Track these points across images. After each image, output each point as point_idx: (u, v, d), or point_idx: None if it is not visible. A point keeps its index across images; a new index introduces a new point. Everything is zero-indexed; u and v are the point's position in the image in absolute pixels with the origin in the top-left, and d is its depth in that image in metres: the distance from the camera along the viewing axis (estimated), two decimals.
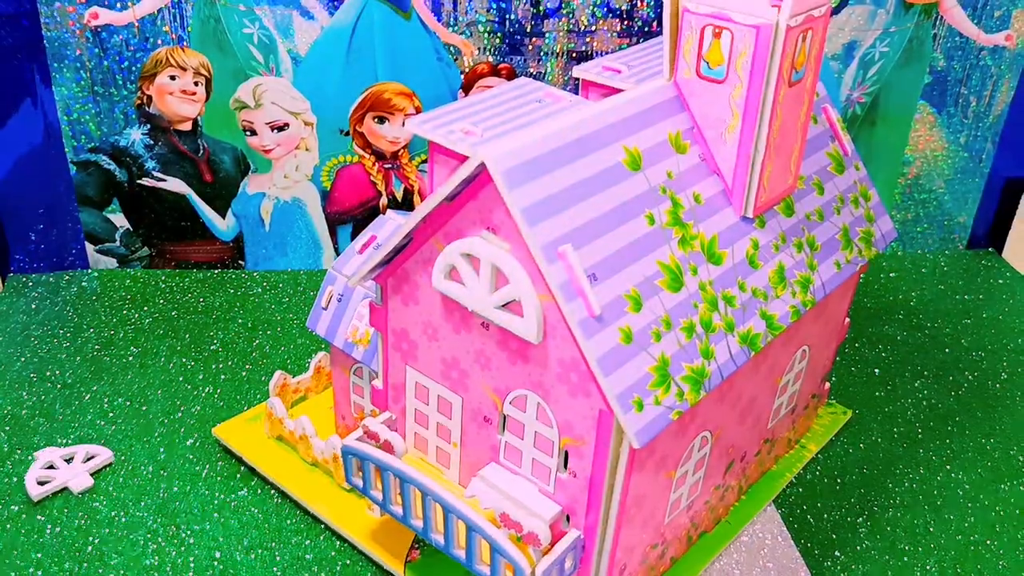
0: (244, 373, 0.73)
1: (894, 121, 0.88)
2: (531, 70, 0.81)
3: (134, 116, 0.80)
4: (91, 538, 0.57)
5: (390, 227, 0.59)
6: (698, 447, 0.50)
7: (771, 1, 0.43)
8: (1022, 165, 0.92)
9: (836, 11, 0.83)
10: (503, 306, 0.43)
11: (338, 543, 0.58)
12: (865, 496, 0.63)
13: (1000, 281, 0.90)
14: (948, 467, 0.66)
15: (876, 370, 0.76)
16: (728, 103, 0.46)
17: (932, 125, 0.89)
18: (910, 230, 0.94)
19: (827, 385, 0.67)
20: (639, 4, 0.80)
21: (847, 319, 0.64)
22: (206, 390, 0.71)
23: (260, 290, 0.85)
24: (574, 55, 0.82)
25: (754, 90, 0.45)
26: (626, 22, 0.81)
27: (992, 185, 0.92)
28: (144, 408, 0.68)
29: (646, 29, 0.81)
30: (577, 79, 0.54)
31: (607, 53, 0.81)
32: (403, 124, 0.82)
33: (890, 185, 0.92)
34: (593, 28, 0.81)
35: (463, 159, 0.42)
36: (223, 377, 0.72)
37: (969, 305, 0.86)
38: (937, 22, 0.84)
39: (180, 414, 0.68)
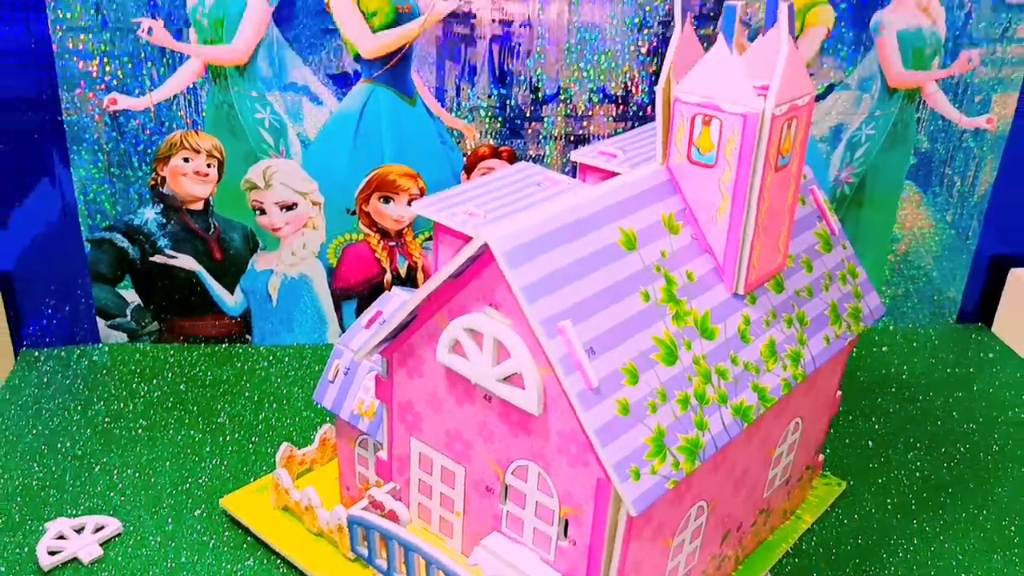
0: (251, 445, 0.74)
1: (881, 200, 0.92)
2: (531, 153, 0.85)
3: (148, 196, 0.82)
4: None
5: (395, 303, 0.61)
6: (694, 516, 0.51)
7: (757, 91, 0.46)
8: (1007, 243, 0.95)
9: (823, 96, 0.86)
10: (505, 379, 0.45)
11: None
12: (860, 566, 0.64)
13: (990, 355, 0.92)
14: (942, 538, 0.67)
15: (870, 442, 0.77)
16: (718, 187, 0.48)
17: (919, 204, 0.92)
18: (901, 305, 0.97)
19: (821, 457, 0.69)
20: (634, 90, 0.84)
21: (839, 392, 0.66)
22: (213, 462, 0.72)
23: (266, 364, 0.86)
24: (572, 138, 0.85)
25: (742, 175, 0.47)
26: (621, 107, 0.84)
27: (979, 262, 0.95)
28: (153, 480, 0.70)
29: (640, 114, 0.84)
30: (575, 162, 0.57)
31: (603, 137, 0.84)
32: (408, 204, 0.85)
33: (880, 262, 0.94)
34: (590, 113, 0.84)
35: (467, 239, 0.44)
36: (230, 449, 0.74)
37: (960, 378, 0.88)
38: (920, 106, 0.88)
39: (188, 485, 0.69)
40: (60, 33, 0.76)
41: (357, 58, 0.80)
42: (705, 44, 0.49)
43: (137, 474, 0.70)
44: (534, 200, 0.48)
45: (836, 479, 0.72)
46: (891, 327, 0.96)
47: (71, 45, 0.76)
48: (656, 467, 0.43)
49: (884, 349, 0.92)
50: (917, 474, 0.73)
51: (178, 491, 0.69)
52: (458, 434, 0.50)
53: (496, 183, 0.50)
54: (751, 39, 0.68)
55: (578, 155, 0.56)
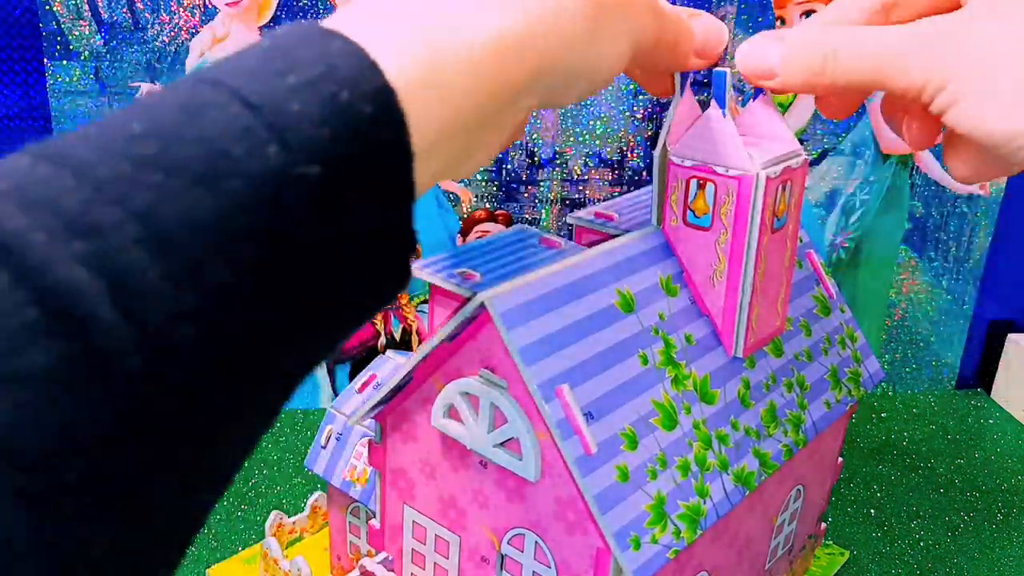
0: (239, 512, 0.73)
1: (877, 265, 0.92)
2: (527, 216, 0.85)
3: None
4: None
5: (390, 367, 0.60)
6: None
7: (748, 152, 0.46)
8: (1004, 308, 0.95)
9: (817, 161, 0.87)
10: (501, 444, 0.44)
11: None
12: None
13: (990, 421, 0.91)
14: None
15: (872, 511, 0.76)
16: (715, 249, 0.48)
17: (914, 269, 0.92)
18: (899, 371, 0.96)
19: (823, 525, 0.68)
20: (629, 155, 0.84)
21: (840, 458, 0.65)
22: (201, 530, 0.70)
23: None
24: (568, 202, 0.85)
25: (738, 237, 0.47)
26: (616, 171, 0.85)
27: (976, 327, 0.95)
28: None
29: (636, 179, 0.85)
30: (571, 225, 0.57)
31: (599, 201, 0.85)
32: None
33: (877, 327, 0.94)
34: (586, 177, 0.84)
35: (463, 301, 0.44)
36: (218, 517, 0.72)
37: (961, 445, 0.86)
38: (913, 172, 0.88)
39: None
40: (59, 97, 0.76)
41: None
42: (702, 110, 0.49)
43: None
44: (531, 262, 0.48)
45: (839, 548, 0.70)
46: (890, 393, 0.96)
47: (69, 109, 0.77)
48: (657, 536, 0.42)
49: (884, 415, 0.91)
50: (921, 543, 0.72)
51: None
52: (453, 501, 0.48)
53: (493, 245, 0.50)
54: (744, 104, 0.68)
55: (575, 218, 0.56)
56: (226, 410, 0.24)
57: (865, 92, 0.46)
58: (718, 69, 0.46)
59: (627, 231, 0.52)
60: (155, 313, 0.22)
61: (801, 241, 0.59)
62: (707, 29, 0.43)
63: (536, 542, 0.45)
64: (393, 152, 0.27)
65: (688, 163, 0.48)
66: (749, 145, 0.46)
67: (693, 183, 0.48)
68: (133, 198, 0.22)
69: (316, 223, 0.25)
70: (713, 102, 0.46)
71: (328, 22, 0.28)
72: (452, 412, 0.46)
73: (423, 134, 0.27)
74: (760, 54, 0.42)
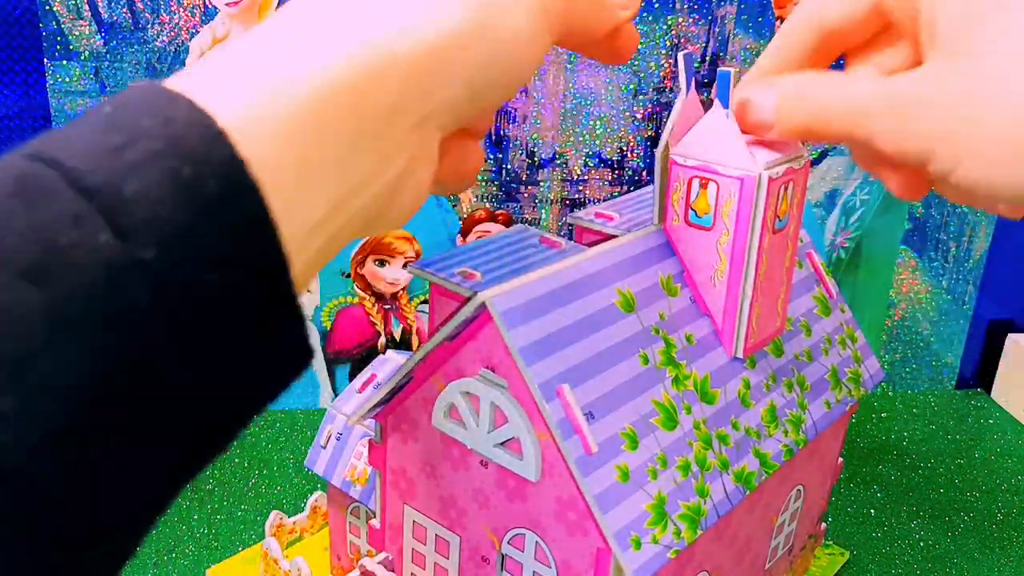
0: (239, 513, 0.73)
1: (877, 265, 0.92)
2: (527, 216, 0.85)
3: None
4: None
5: (390, 367, 0.60)
6: None
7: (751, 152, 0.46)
8: (1004, 308, 0.95)
9: (818, 161, 0.87)
10: (502, 444, 0.44)
11: None
12: None
13: (990, 421, 0.91)
14: None
15: (872, 511, 0.76)
16: (716, 249, 0.48)
17: (914, 269, 0.92)
18: (899, 371, 0.96)
19: (823, 525, 0.68)
20: (629, 155, 0.84)
21: (840, 459, 0.65)
22: (200, 530, 0.70)
23: (257, 429, 0.85)
24: (568, 202, 0.85)
25: (740, 237, 0.47)
26: (616, 171, 0.85)
27: (976, 327, 0.95)
28: (137, 548, 0.68)
29: (636, 179, 0.85)
30: (571, 225, 0.57)
31: (599, 201, 0.85)
32: (403, 267, 0.84)
33: (877, 327, 0.94)
34: (585, 177, 0.84)
35: (464, 300, 0.44)
36: (218, 517, 0.72)
37: (961, 445, 0.87)
38: None
39: (174, 554, 0.67)
40: (59, 97, 0.76)
41: None
42: (704, 110, 0.49)
43: None
44: (531, 262, 0.48)
45: (839, 549, 0.70)
46: (890, 393, 0.96)
47: (69, 109, 0.77)
48: (657, 536, 0.42)
49: (884, 415, 0.91)
50: (921, 543, 0.72)
51: (163, 560, 0.67)
52: (453, 501, 0.49)
53: (494, 245, 0.50)
54: None
55: (575, 218, 0.56)
56: (78, 512, 0.23)
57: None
58: (722, 69, 0.46)
59: (628, 231, 0.52)
60: None
61: (802, 242, 0.59)
62: None
63: (536, 542, 0.45)
64: (247, 225, 0.25)
65: (690, 163, 0.48)
66: (752, 145, 0.46)
67: (695, 183, 0.48)
68: None
69: (159, 309, 0.23)
70: (716, 101, 0.46)
71: (176, 80, 0.26)
72: (453, 412, 0.46)
73: (282, 191, 0.26)
74: (755, 103, 0.41)
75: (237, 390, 0.26)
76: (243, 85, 0.26)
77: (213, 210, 0.24)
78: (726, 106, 0.46)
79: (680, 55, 0.47)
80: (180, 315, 0.24)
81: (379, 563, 0.53)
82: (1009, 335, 0.94)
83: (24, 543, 0.22)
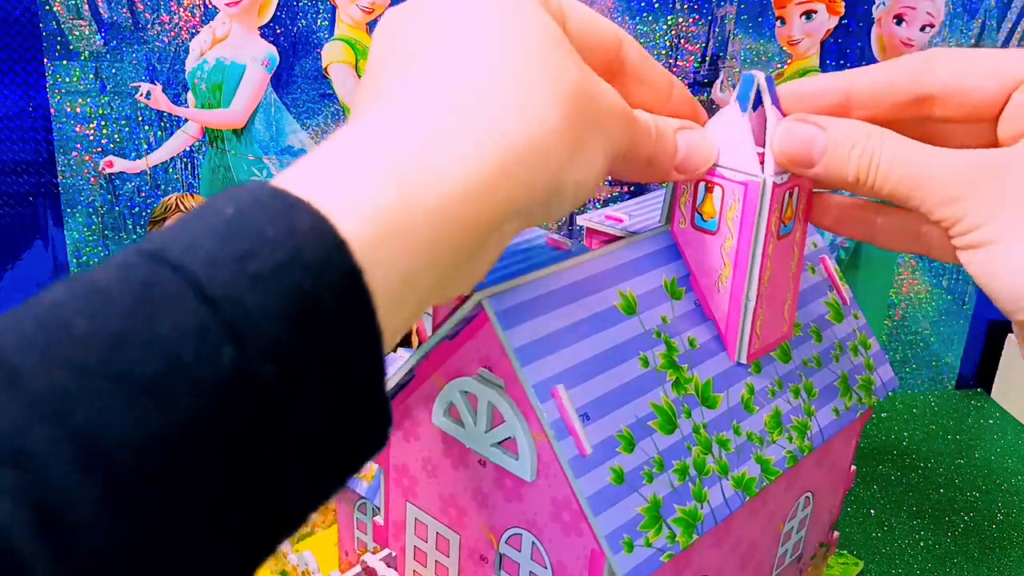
0: None
1: (877, 265, 0.94)
2: None
3: None
4: None
5: (398, 364, 0.62)
6: None
7: (760, 158, 0.48)
8: None
9: None
10: (499, 443, 0.46)
11: None
12: None
13: (990, 421, 0.93)
14: None
15: (872, 511, 0.78)
16: (721, 254, 0.50)
17: (914, 269, 0.94)
18: (899, 371, 0.98)
19: (836, 534, 0.69)
20: None
21: (852, 467, 0.66)
22: None
23: None
24: None
25: (744, 242, 0.48)
26: None
27: (976, 327, 0.97)
28: None
29: None
30: (571, 225, 0.58)
31: (601, 201, 0.87)
32: None
33: (877, 327, 0.96)
34: None
35: (465, 299, 0.46)
36: None
37: (961, 445, 0.88)
38: None
39: None
40: (59, 97, 0.79)
41: None
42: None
43: None
44: (537, 263, 0.50)
45: (853, 558, 0.72)
46: (890, 393, 0.98)
47: (69, 109, 0.80)
48: (651, 539, 0.44)
49: (883, 415, 0.93)
50: (921, 543, 0.74)
51: None
52: (453, 499, 0.51)
53: None
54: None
55: (585, 219, 0.58)
56: None
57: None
58: (747, 72, 0.47)
59: (636, 233, 0.54)
60: (85, 544, 0.21)
61: (815, 247, 0.61)
62: (691, 147, 0.44)
63: (533, 542, 0.47)
64: (358, 338, 0.26)
65: None
66: (765, 150, 0.47)
67: (701, 186, 0.49)
68: (72, 415, 0.21)
69: (270, 427, 0.24)
70: (735, 102, 0.47)
71: (295, 177, 0.27)
72: (452, 411, 0.48)
73: (388, 296, 0.27)
74: (803, 139, 0.43)
75: (321, 488, 0.27)
76: (364, 190, 0.27)
77: (328, 327, 0.25)
78: (745, 109, 0.47)
79: (744, 73, 0.48)
80: (286, 429, 0.24)
81: (381, 560, 0.55)
82: (1009, 335, 0.96)
83: None
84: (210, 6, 0.79)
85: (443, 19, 0.33)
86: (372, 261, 0.26)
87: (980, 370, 1.00)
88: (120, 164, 0.82)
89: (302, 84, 0.82)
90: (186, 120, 0.81)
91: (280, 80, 0.81)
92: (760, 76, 0.46)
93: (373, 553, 0.57)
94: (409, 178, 0.28)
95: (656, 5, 0.82)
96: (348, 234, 0.26)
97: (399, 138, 0.29)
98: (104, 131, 0.81)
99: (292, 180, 0.27)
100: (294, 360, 0.24)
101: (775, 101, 0.46)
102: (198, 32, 0.79)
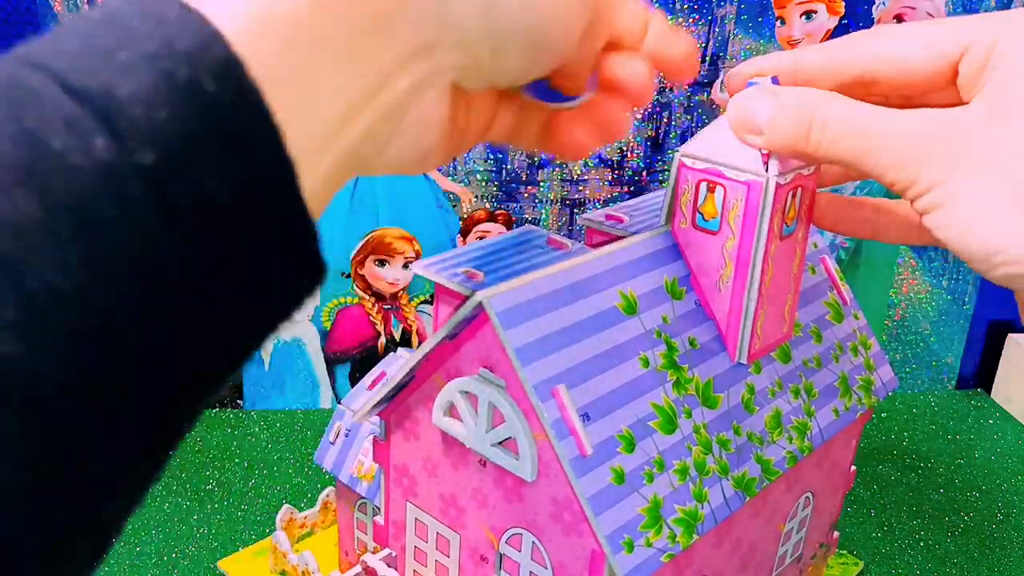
0: (240, 513, 0.76)
1: (877, 265, 0.95)
2: (527, 216, 0.88)
3: None
4: None
5: (400, 364, 0.63)
6: None
7: (763, 159, 0.48)
8: (1004, 308, 0.98)
9: None
10: (499, 443, 0.46)
11: None
12: None
13: (990, 421, 0.94)
14: None
15: (872, 511, 0.78)
16: (722, 254, 0.50)
17: (914, 269, 0.95)
18: (899, 371, 0.99)
19: (836, 534, 0.70)
20: (629, 155, 0.87)
21: (852, 467, 0.67)
22: (201, 530, 0.73)
23: (257, 429, 0.88)
24: (568, 202, 0.88)
25: (746, 242, 0.49)
26: (616, 172, 0.87)
27: (976, 327, 0.98)
28: (138, 549, 0.71)
29: (636, 179, 0.87)
30: (571, 225, 0.59)
31: (600, 201, 0.87)
32: (404, 267, 0.87)
33: (877, 327, 0.97)
34: (585, 177, 0.87)
35: (466, 300, 0.46)
36: (218, 517, 0.75)
37: (961, 445, 0.89)
38: None
39: (175, 554, 0.70)
40: None
41: None
42: (700, 111, 0.51)
43: (122, 544, 0.72)
44: (537, 262, 0.50)
45: (853, 558, 0.72)
46: (890, 393, 0.99)
47: None
48: (651, 539, 0.44)
49: (883, 415, 0.94)
50: (922, 543, 0.75)
51: (163, 561, 0.70)
52: (453, 499, 0.51)
53: (499, 246, 0.53)
54: None
55: (586, 219, 0.58)
56: (83, 430, 0.23)
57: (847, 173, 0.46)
58: (753, 79, 0.47)
59: (637, 233, 0.54)
60: None
61: (815, 247, 0.61)
62: (663, 34, 0.42)
63: (533, 542, 0.48)
64: (250, 129, 0.25)
65: (699, 165, 0.49)
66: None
67: (703, 186, 0.50)
68: None
69: (161, 215, 0.23)
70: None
71: None
72: (452, 410, 0.48)
73: (282, 96, 0.25)
74: (750, 108, 0.43)
75: (246, 306, 0.26)
76: None
77: (212, 113, 0.24)
78: None
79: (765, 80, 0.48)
80: (183, 223, 0.23)
81: (381, 559, 0.56)
82: (1009, 335, 0.97)
83: (32, 467, 0.22)
84: None
85: None
86: (253, 56, 0.25)
87: (980, 370, 1.01)
88: None
89: None
90: None
91: None
92: (764, 79, 0.46)
93: (373, 553, 0.57)
94: None
95: (656, 5, 0.83)
96: (223, 28, 0.25)
97: None
98: None
99: None
100: (176, 149, 0.23)
101: None
102: None
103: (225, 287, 0.25)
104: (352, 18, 0.27)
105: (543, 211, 0.88)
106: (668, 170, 0.85)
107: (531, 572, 0.48)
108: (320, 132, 0.27)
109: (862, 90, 0.42)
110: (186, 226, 0.23)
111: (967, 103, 0.38)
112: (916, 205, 0.38)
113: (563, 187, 0.87)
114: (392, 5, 0.28)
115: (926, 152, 0.37)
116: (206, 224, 0.24)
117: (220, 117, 0.24)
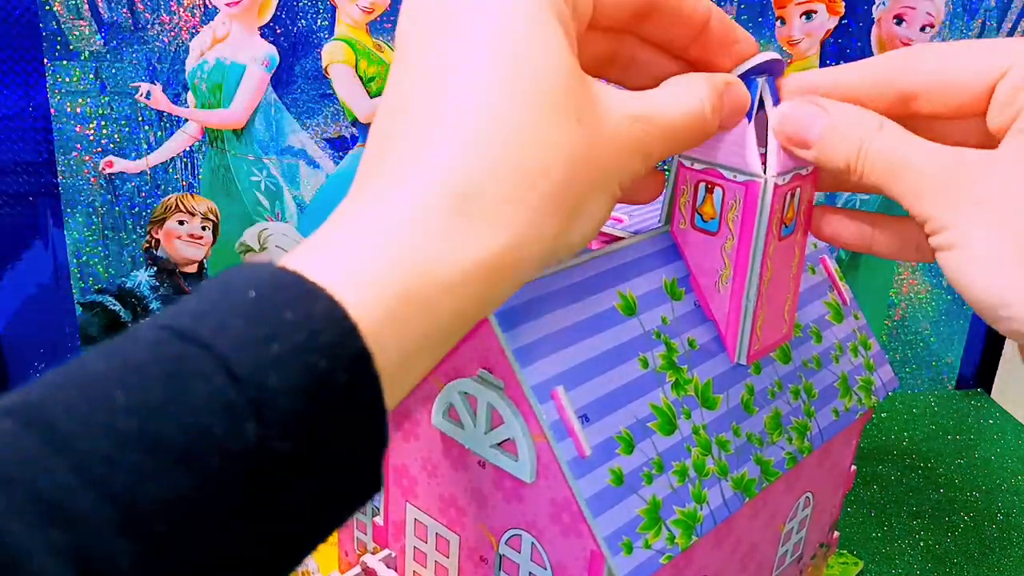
0: None
1: (877, 265, 0.95)
2: None
3: (141, 259, 0.86)
4: None
5: None
6: None
7: (762, 159, 0.49)
8: None
9: None
10: (498, 445, 0.47)
11: None
12: None
13: (990, 421, 0.95)
14: None
15: (872, 511, 0.79)
16: (721, 254, 0.51)
17: (915, 269, 0.96)
18: (899, 371, 1.00)
19: (836, 534, 0.70)
20: None
21: (852, 467, 0.68)
22: None
23: None
24: None
25: (744, 243, 0.50)
26: None
27: (976, 327, 0.99)
28: None
29: None
30: None
31: None
32: None
33: (877, 327, 0.98)
34: None
35: None
36: None
37: (961, 445, 0.90)
38: None
39: None
40: (59, 97, 0.80)
41: (354, 122, 0.84)
42: None
43: None
44: None
45: (853, 558, 0.73)
46: (890, 393, 0.99)
47: (69, 109, 0.81)
48: (650, 541, 0.45)
49: (883, 415, 0.95)
50: (921, 543, 0.75)
51: None
52: (453, 500, 0.52)
53: None
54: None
55: None
56: None
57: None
58: (753, 77, 0.48)
59: (637, 233, 0.55)
60: None
61: (815, 247, 0.62)
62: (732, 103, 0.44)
63: (532, 543, 0.48)
64: (365, 414, 0.30)
65: (698, 166, 0.50)
66: (767, 151, 0.48)
67: (702, 187, 0.51)
68: (113, 480, 0.24)
69: (284, 491, 0.27)
70: None
71: (306, 262, 0.30)
72: (452, 412, 0.49)
73: (392, 372, 0.31)
74: (802, 121, 0.44)
75: (321, 536, 0.31)
76: (378, 277, 0.31)
77: (341, 406, 0.29)
78: (750, 114, 0.48)
79: (762, 80, 0.48)
80: (302, 496, 0.28)
81: (380, 560, 0.57)
82: None
83: None
84: (210, 6, 0.80)
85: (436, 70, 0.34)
86: (378, 343, 0.30)
87: (980, 370, 1.02)
88: (120, 164, 0.83)
89: (302, 84, 0.83)
90: (186, 120, 0.83)
91: (280, 80, 0.83)
92: (762, 80, 0.47)
93: (373, 553, 0.58)
94: (409, 272, 0.31)
95: None
96: (358, 320, 0.29)
97: (401, 224, 0.32)
98: (104, 131, 0.82)
99: (306, 261, 0.31)
100: (308, 434, 0.28)
101: (777, 104, 0.48)
102: (198, 32, 0.80)
103: (309, 532, 0.30)
104: (456, 312, 0.33)
105: None
106: (667, 171, 0.86)
107: (530, 573, 0.49)
108: (416, 378, 0.34)
109: (901, 108, 0.43)
110: (301, 496, 0.28)
111: (995, 125, 0.39)
112: (931, 241, 0.39)
113: None
114: (503, 295, 0.35)
115: (944, 192, 0.38)
116: (322, 508, 0.29)
117: (348, 411, 0.29)
